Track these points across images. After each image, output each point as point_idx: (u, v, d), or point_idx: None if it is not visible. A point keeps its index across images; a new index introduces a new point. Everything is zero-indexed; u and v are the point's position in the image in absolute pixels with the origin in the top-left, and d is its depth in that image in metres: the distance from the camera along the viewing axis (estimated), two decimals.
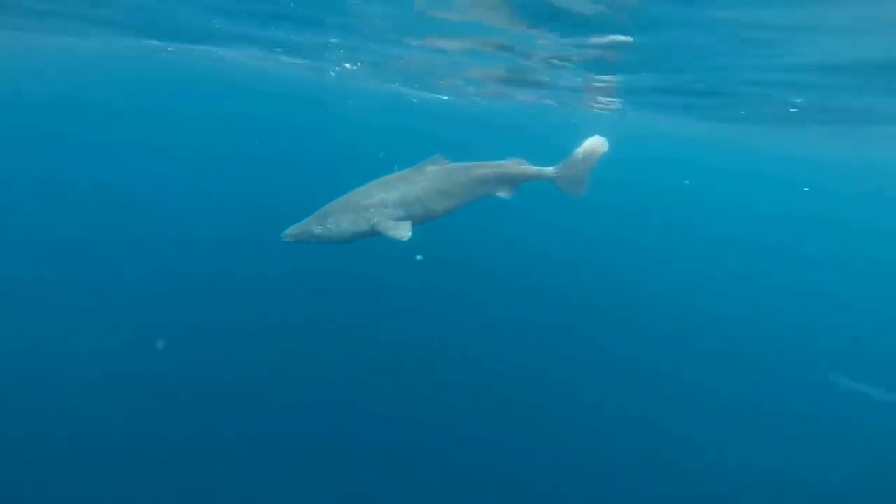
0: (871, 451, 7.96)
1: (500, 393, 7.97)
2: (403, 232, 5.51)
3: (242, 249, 10.83)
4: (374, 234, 5.71)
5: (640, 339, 10.12)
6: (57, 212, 12.51)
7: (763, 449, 7.75)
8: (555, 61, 9.64)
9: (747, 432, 8.09)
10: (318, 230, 5.65)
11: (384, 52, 11.40)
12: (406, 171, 6.06)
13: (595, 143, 6.66)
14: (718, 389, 8.93)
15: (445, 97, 19.37)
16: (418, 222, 5.90)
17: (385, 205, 5.82)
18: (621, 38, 7.46)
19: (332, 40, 11.13)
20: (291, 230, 5.64)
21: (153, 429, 6.38)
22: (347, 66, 14.84)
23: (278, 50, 14.00)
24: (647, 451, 7.31)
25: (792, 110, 11.35)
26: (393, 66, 13.53)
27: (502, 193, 6.43)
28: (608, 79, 10.95)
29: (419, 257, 9.72)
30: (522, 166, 6.61)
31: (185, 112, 35.84)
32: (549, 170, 6.69)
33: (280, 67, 17.42)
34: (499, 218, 12.69)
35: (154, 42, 15.63)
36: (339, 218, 5.68)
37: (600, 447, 7.28)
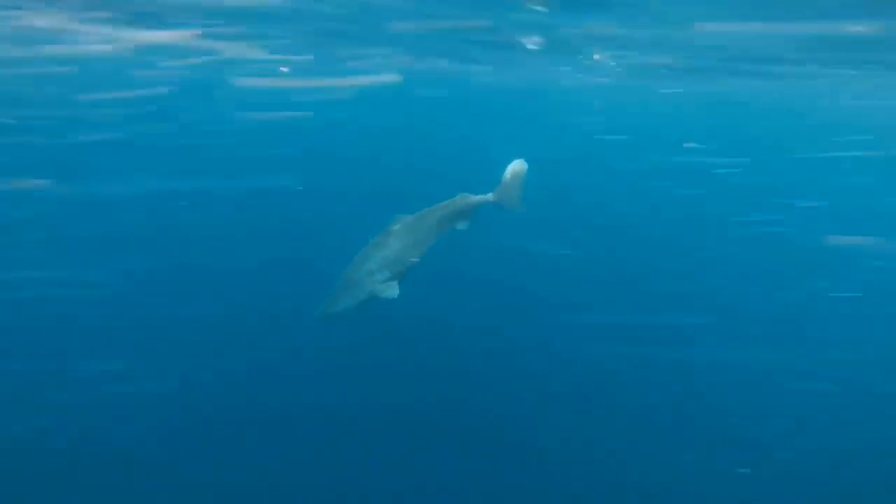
0: None
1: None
2: (391, 292, 6.70)
3: None
4: (374, 300, 6.78)
5: None
6: None
7: None
8: None
9: None
10: (332, 310, 6.72)
11: None
12: (378, 238, 7.16)
13: (517, 166, 8.15)
14: None
15: None
16: (404, 275, 7.00)
17: (371, 273, 6.93)
18: None
19: None
20: (318, 311, 6.71)
21: None
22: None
23: None
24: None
25: None
26: None
27: (461, 226, 7.71)
28: None
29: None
30: (468, 199, 7.93)
31: None
32: (489, 196, 8.07)
33: None
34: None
35: None
36: (342, 296, 6.79)
37: None
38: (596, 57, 14.99)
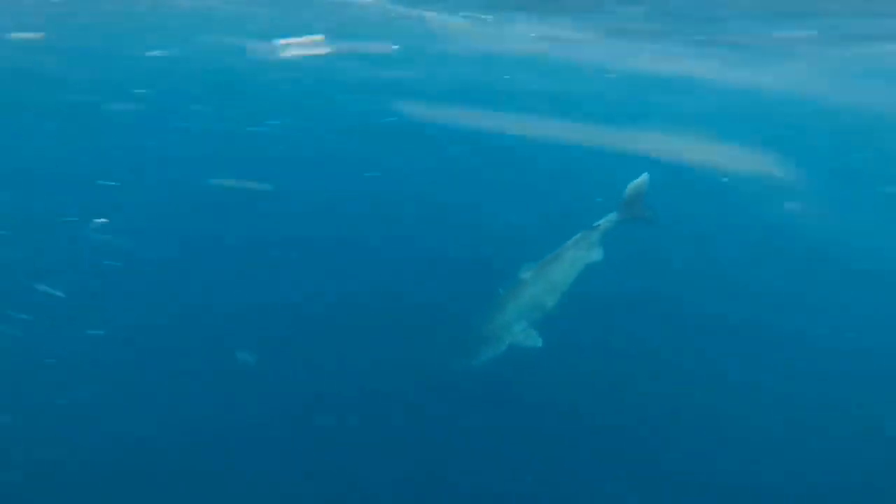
0: None
1: None
2: (533, 342, 6.37)
3: None
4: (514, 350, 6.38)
5: None
6: None
7: None
8: None
9: None
10: (469, 362, 6.36)
11: None
12: (509, 289, 6.69)
13: (638, 182, 7.69)
14: None
15: None
16: (542, 322, 6.51)
17: (508, 325, 6.47)
18: None
19: None
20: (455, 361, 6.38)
21: None
22: None
23: None
24: None
25: None
26: None
27: (596, 257, 7.12)
28: None
29: None
30: (594, 228, 7.33)
31: None
32: (614, 215, 7.53)
33: None
34: None
35: None
36: (479, 348, 6.40)
37: None
38: None
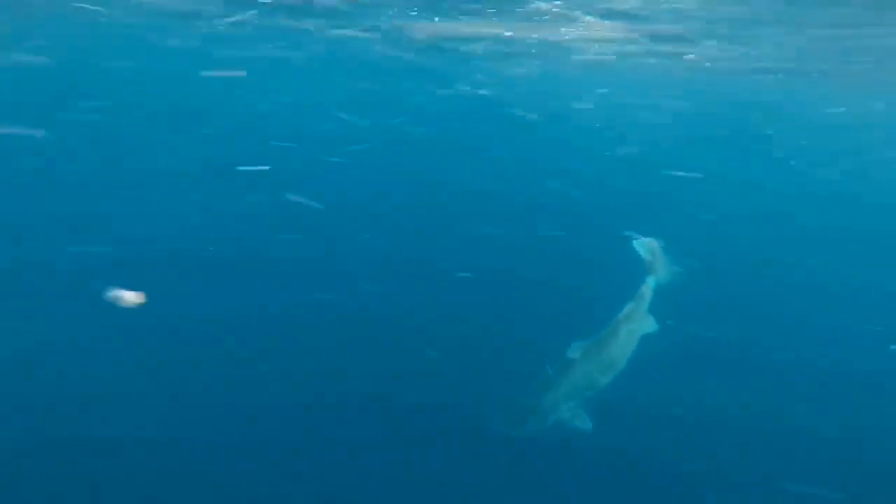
0: None
1: None
2: (582, 424, 6.13)
3: None
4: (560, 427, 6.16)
5: None
6: None
7: None
8: None
9: None
10: (514, 430, 6.17)
11: None
12: (560, 366, 6.44)
13: (647, 243, 7.83)
14: None
15: None
16: (591, 397, 6.33)
17: (556, 403, 6.24)
18: None
19: None
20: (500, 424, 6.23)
21: None
22: None
23: None
24: None
25: None
26: None
27: (649, 328, 6.93)
28: None
29: None
30: (638, 299, 7.15)
31: None
32: (651, 279, 7.43)
33: None
34: None
35: None
36: (526, 420, 6.19)
37: None
38: None
